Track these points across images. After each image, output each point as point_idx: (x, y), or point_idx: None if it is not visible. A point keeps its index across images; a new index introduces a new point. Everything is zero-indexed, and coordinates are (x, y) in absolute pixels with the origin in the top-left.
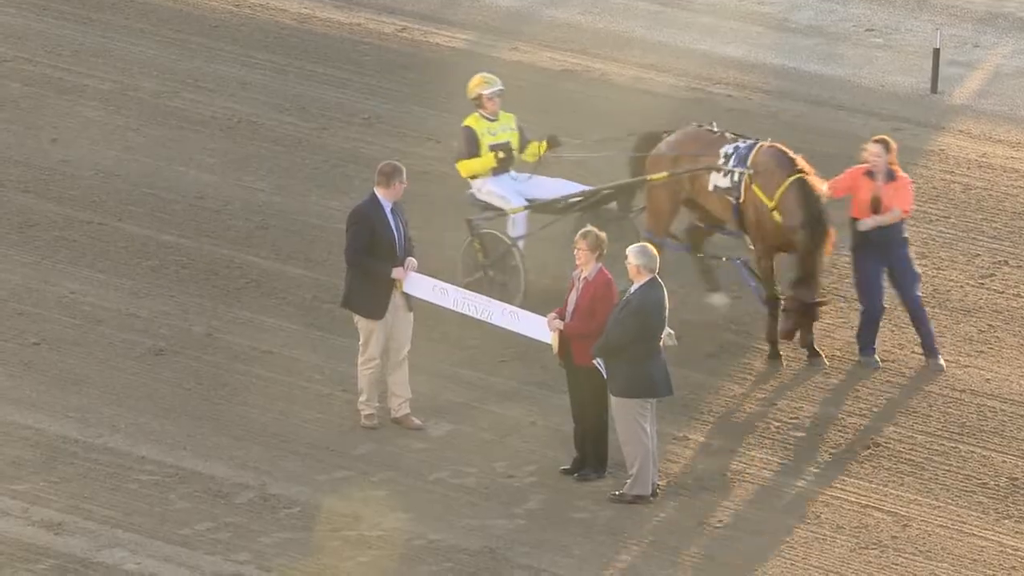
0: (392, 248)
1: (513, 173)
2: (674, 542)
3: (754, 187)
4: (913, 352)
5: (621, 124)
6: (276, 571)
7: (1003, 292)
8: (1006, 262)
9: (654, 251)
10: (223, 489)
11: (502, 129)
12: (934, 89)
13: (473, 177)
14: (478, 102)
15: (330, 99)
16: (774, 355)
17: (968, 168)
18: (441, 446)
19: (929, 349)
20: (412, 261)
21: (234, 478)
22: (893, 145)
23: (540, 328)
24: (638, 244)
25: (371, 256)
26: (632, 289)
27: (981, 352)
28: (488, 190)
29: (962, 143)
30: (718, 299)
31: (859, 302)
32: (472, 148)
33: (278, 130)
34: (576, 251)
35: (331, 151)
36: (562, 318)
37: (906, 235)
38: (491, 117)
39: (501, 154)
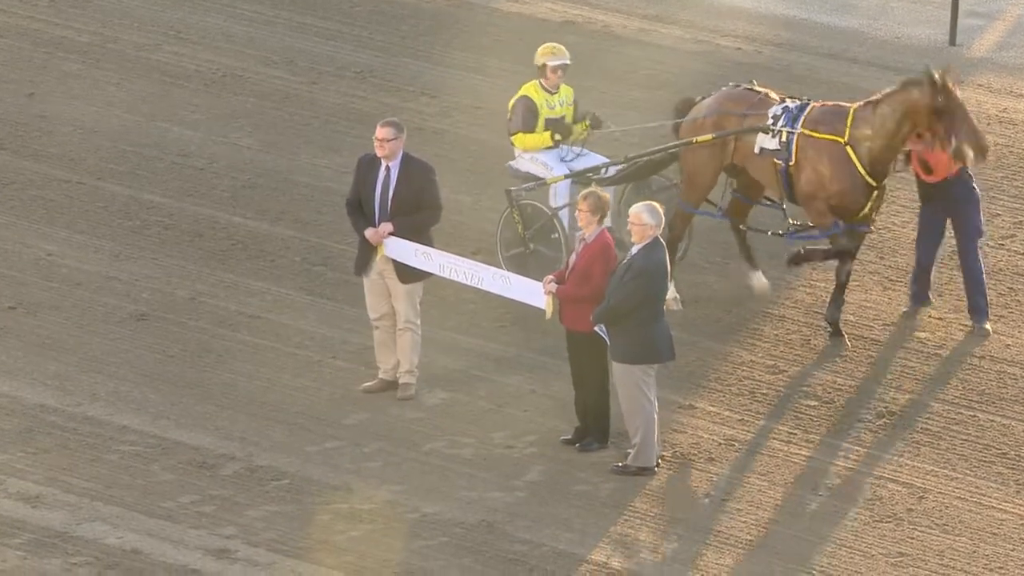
0: (369, 206)
1: (564, 148)
2: (679, 515)
3: (818, 136)
4: (930, 317)
5: (626, 79)
6: (263, 546)
7: None
8: None
9: (660, 209)
10: (208, 460)
11: (560, 103)
12: (952, 41)
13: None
14: (542, 72)
15: (320, 52)
16: (836, 333)
17: (988, 124)
18: (436, 415)
19: (977, 312)
20: (387, 225)
21: (219, 449)
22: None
23: (533, 293)
24: (645, 203)
25: (361, 211)
26: (633, 251)
27: (1001, 316)
28: (532, 157)
29: (982, 98)
30: (758, 281)
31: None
32: (530, 121)
33: (265, 84)
34: (578, 213)
35: (321, 106)
36: (562, 281)
37: (970, 190)
38: (552, 89)
39: (559, 136)
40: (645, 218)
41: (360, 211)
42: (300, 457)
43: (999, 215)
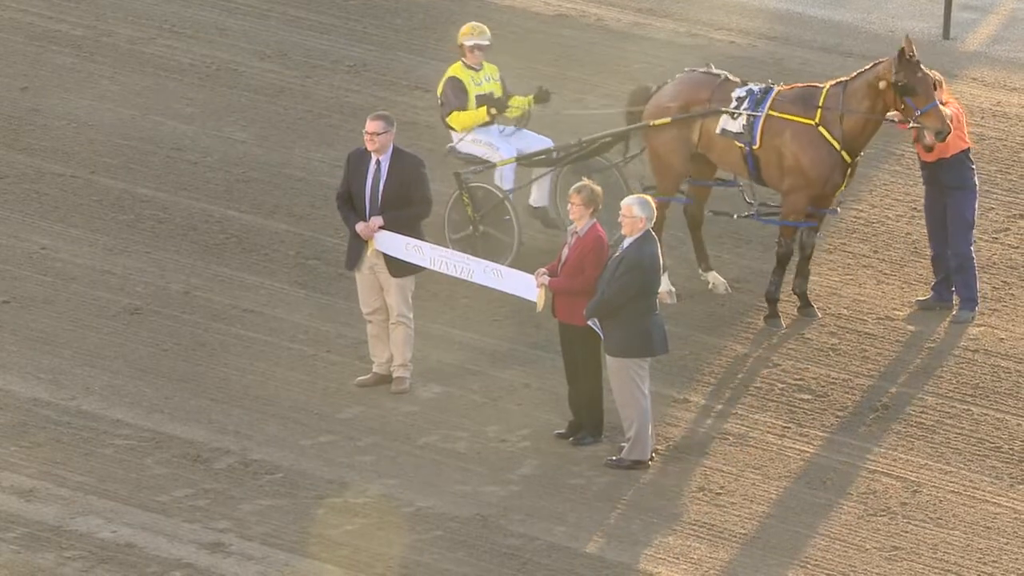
0: (360, 200)
1: (499, 126)
2: (673, 509)
3: (787, 117)
4: (922, 311)
5: (620, 72)
6: (257, 539)
7: (1018, 247)
8: (1021, 215)
9: (652, 202)
10: (202, 454)
11: (486, 79)
12: (946, 35)
13: (454, 129)
14: (462, 51)
15: (314, 45)
16: (773, 315)
17: (982, 117)
18: (430, 409)
19: (960, 300)
20: (378, 219)
21: (213, 442)
22: (939, 78)
23: (525, 285)
24: (637, 196)
25: (351, 205)
26: (625, 244)
27: (995, 310)
28: (474, 139)
29: (975, 91)
30: (715, 278)
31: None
32: (462, 99)
33: (259, 78)
34: (569, 206)
35: (315, 100)
36: (554, 274)
37: (965, 179)
38: (475, 67)
39: (494, 110)
40: (636, 211)
41: (350, 205)
42: (294, 451)
43: (993, 209)
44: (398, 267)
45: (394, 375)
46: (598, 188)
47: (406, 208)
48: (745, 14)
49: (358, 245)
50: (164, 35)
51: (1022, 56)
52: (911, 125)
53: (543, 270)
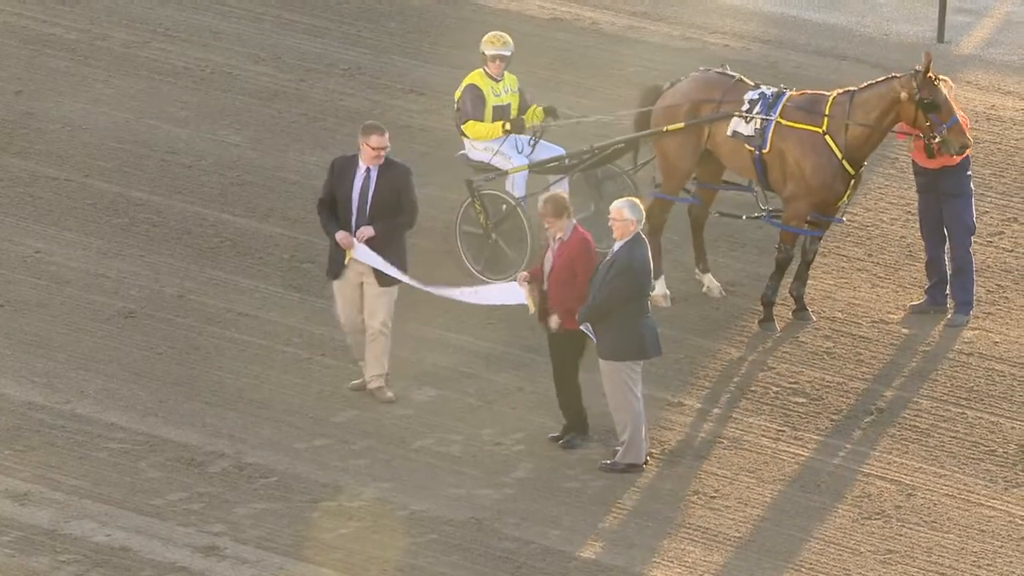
0: (346, 209)
1: (518, 139)
2: (668, 512)
3: (795, 125)
4: (916, 314)
5: (615, 76)
6: (252, 543)
7: (1012, 250)
8: (1016, 219)
9: (641, 204)
10: (196, 457)
11: (505, 91)
12: (940, 38)
13: (467, 137)
14: (484, 60)
15: (308, 49)
16: (768, 318)
17: (976, 121)
18: (425, 413)
19: (956, 303)
20: (365, 230)
21: (208, 446)
22: (949, 84)
23: (506, 292)
24: (626, 199)
25: (334, 212)
26: (615, 247)
27: (989, 314)
28: (486, 147)
29: (970, 95)
30: (710, 281)
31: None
32: (479, 109)
33: (254, 82)
34: (541, 220)
35: (309, 103)
36: (538, 280)
37: (963, 186)
38: (496, 77)
39: (508, 126)
40: (627, 214)
41: (331, 213)
42: (289, 454)
43: (987, 212)
44: (385, 276)
45: (373, 387)
46: (562, 193)
47: (395, 216)
48: (739, 17)
49: (340, 255)
50: (158, 39)
51: (1016, 60)
52: (937, 139)
53: (525, 274)
